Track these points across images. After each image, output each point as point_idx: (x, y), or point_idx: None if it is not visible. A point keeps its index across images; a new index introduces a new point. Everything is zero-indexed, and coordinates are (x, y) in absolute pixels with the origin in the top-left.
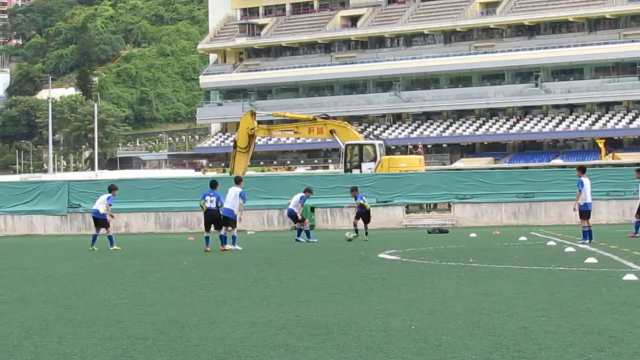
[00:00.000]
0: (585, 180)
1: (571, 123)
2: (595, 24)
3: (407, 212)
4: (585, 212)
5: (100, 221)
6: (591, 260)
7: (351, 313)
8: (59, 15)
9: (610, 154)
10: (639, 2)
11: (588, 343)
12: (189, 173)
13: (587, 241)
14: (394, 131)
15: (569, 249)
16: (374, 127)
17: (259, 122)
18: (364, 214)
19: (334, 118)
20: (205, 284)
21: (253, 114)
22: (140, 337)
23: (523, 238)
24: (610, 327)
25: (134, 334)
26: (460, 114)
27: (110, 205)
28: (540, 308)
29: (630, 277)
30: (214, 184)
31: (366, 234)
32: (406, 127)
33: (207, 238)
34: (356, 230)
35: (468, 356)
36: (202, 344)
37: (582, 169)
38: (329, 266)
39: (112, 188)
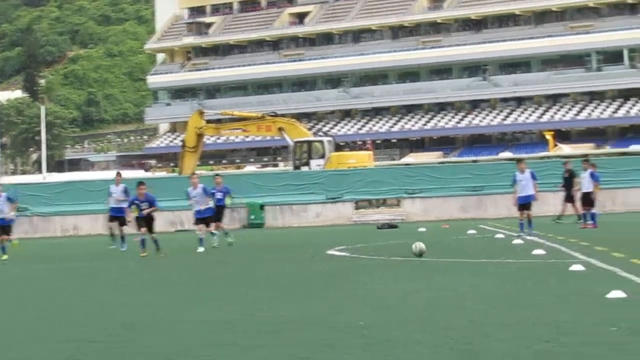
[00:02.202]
0: (521, 175)
1: (519, 116)
2: (541, 17)
3: (356, 208)
4: (520, 205)
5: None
6: (539, 251)
7: (300, 310)
8: (4, 17)
9: (555, 147)
10: None
11: (536, 334)
12: (139, 174)
13: (523, 233)
14: (342, 127)
15: (517, 241)
16: (323, 123)
17: (208, 121)
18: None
19: (283, 115)
20: (156, 285)
21: (201, 113)
22: (91, 340)
23: (472, 231)
24: (557, 317)
25: (84, 337)
26: (409, 109)
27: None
28: (489, 301)
29: (577, 267)
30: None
31: (226, 234)
32: (355, 123)
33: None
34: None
35: (417, 350)
36: (152, 345)
37: (520, 162)
38: (279, 264)
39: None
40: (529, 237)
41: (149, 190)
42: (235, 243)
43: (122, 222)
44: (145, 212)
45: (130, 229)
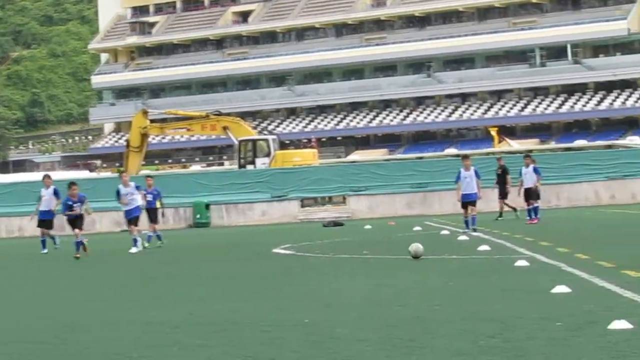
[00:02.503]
0: (466, 172)
1: (464, 112)
2: (485, 13)
3: (302, 206)
4: (463, 202)
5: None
6: (484, 248)
7: (246, 309)
8: None
9: (502, 141)
10: None
11: (480, 330)
12: (84, 174)
13: (468, 230)
14: (288, 125)
15: (462, 238)
16: (268, 122)
17: (153, 121)
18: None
19: (228, 114)
20: (99, 284)
21: (145, 112)
22: (31, 342)
23: (417, 228)
24: (502, 313)
25: (24, 338)
26: (354, 107)
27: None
28: (434, 297)
29: (521, 263)
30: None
31: (158, 237)
32: (300, 121)
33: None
34: None
35: (361, 348)
36: (93, 345)
37: (465, 158)
38: (224, 263)
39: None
40: (474, 234)
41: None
42: (181, 243)
43: (50, 225)
44: (82, 210)
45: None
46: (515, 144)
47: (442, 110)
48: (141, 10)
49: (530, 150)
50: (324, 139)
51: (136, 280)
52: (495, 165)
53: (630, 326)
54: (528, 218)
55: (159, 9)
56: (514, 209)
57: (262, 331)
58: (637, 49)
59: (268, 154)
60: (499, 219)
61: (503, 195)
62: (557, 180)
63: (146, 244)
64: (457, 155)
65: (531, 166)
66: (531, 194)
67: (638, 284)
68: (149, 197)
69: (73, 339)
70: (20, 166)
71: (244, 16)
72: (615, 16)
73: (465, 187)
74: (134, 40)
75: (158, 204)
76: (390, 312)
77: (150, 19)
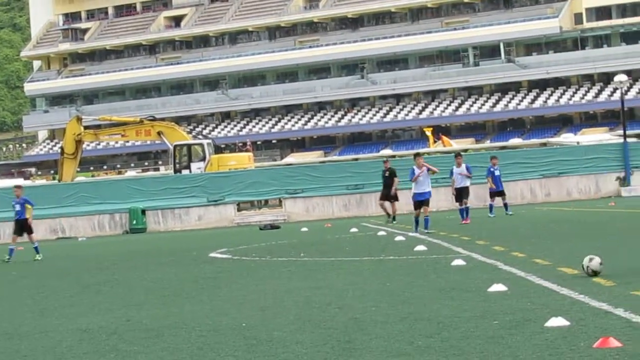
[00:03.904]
0: (419, 170)
1: (398, 113)
2: (417, 14)
3: (238, 210)
4: (416, 202)
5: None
6: (420, 247)
7: (182, 314)
8: None
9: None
10: None
11: (417, 330)
12: (19, 182)
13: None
14: (223, 129)
15: (399, 238)
16: (203, 126)
17: (87, 127)
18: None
19: (162, 119)
20: (35, 292)
21: (79, 119)
22: None
23: (354, 229)
24: (439, 313)
25: None
26: (289, 109)
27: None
28: (371, 298)
29: (458, 262)
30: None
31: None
32: (235, 125)
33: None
34: None
35: (298, 350)
36: (31, 354)
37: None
38: (161, 268)
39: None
40: (422, 235)
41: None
42: (117, 249)
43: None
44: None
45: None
46: (455, 144)
47: (377, 112)
48: (73, 16)
49: (466, 150)
50: (259, 142)
51: (71, 288)
52: (448, 163)
53: (566, 323)
54: (462, 218)
55: (90, 15)
56: (389, 215)
57: (200, 336)
58: (569, 46)
59: (203, 159)
60: (393, 222)
61: (388, 197)
62: None
63: (38, 257)
64: (393, 156)
65: (463, 165)
66: (463, 194)
67: (574, 280)
68: (17, 207)
69: (9, 348)
70: None
71: (177, 21)
72: (547, 14)
73: (418, 186)
74: (67, 46)
75: (27, 213)
76: (328, 314)
77: (83, 25)
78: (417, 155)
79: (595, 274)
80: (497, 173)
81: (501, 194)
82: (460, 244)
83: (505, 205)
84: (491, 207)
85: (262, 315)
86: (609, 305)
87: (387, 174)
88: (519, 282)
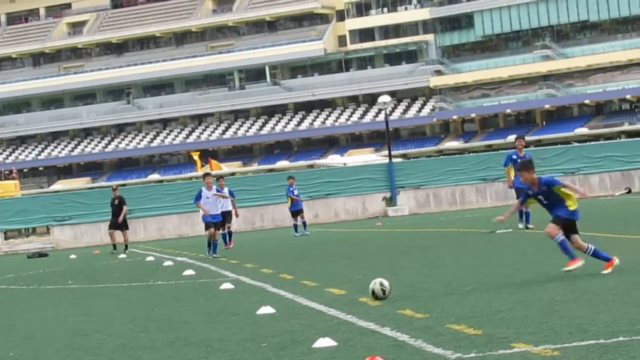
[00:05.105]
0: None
1: (165, 137)
2: (182, 38)
3: (5, 239)
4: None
5: None
6: (189, 272)
7: None
8: None
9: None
10: (223, 15)
11: (186, 354)
12: None
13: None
14: None
15: (167, 263)
16: None
17: None
18: None
19: None
20: None
21: None
22: None
23: (123, 255)
24: (207, 336)
25: None
26: (55, 136)
27: None
28: (139, 323)
29: (226, 285)
30: None
31: None
32: (1, 153)
33: None
34: None
35: None
36: None
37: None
38: None
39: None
40: (179, 258)
41: None
42: None
43: None
44: None
45: None
46: (224, 167)
47: (144, 137)
48: None
49: (234, 173)
50: (25, 170)
51: None
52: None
53: (334, 343)
54: (225, 244)
55: None
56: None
57: None
58: (334, 68)
59: None
60: (113, 252)
61: (116, 226)
62: (262, 201)
63: None
64: (161, 181)
65: (226, 188)
66: (227, 218)
67: (341, 301)
68: None
69: None
70: None
71: None
72: (311, 37)
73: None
74: None
75: None
76: (96, 340)
77: None
78: (206, 175)
79: (376, 297)
80: (295, 192)
81: (299, 212)
82: (228, 268)
83: (304, 224)
84: (296, 226)
85: (29, 344)
86: (376, 325)
87: (116, 202)
88: (287, 303)
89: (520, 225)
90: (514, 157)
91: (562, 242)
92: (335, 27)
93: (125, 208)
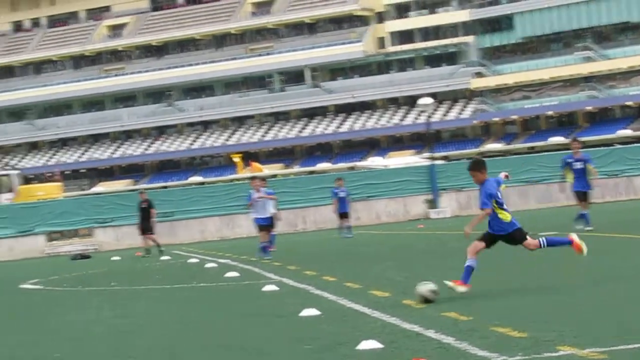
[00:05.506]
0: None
1: (206, 140)
2: (221, 41)
3: (48, 240)
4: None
5: None
6: (232, 274)
7: None
8: None
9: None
10: (262, 17)
11: (229, 357)
12: None
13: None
14: (30, 160)
15: (210, 265)
16: (10, 157)
17: None
18: None
19: None
20: None
21: None
22: None
23: (166, 257)
24: (251, 338)
25: None
26: (96, 138)
27: None
28: (181, 326)
29: (270, 287)
30: None
31: None
32: (43, 155)
33: None
34: None
35: None
36: None
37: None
38: None
39: None
40: (222, 260)
41: None
42: None
43: None
44: None
45: None
46: (265, 169)
47: (185, 139)
48: None
49: (275, 175)
50: (67, 172)
51: None
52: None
53: (379, 345)
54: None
55: None
56: (159, 245)
57: None
58: (374, 70)
59: (11, 190)
60: (147, 256)
61: (147, 230)
62: (303, 203)
63: None
64: (202, 183)
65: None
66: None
67: (385, 303)
68: None
69: None
70: None
71: None
72: (351, 39)
73: (258, 210)
74: None
75: None
76: (140, 342)
77: None
78: (252, 178)
79: (426, 300)
80: (341, 195)
81: (345, 215)
82: (271, 270)
83: (349, 227)
84: (343, 228)
85: (73, 345)
86: (420, 327)
87: (144, 206)
88: (331, 305)
89: (579, 227)
90: (569, 160)
91: (549, 240)
92: (375, 29)
93: (153, 211)
